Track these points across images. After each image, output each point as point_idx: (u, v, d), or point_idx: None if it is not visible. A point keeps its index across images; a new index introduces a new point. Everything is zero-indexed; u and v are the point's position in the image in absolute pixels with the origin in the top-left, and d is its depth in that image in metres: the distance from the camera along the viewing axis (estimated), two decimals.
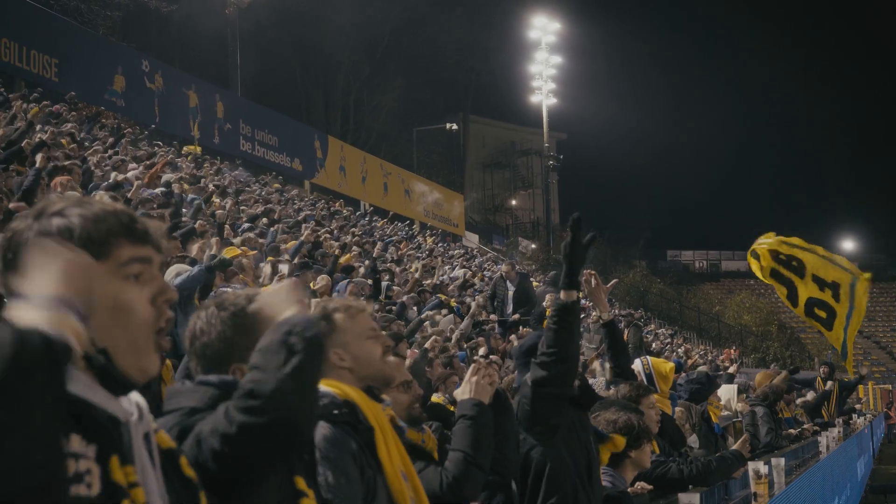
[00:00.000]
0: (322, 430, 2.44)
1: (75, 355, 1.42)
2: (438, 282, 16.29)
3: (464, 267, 23.26)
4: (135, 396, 1.58)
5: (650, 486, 4.98)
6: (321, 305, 2.79)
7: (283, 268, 10.49)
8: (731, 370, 14.29)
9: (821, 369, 15.28)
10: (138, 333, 1.54)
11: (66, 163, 11.01)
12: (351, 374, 2.63)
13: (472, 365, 3.59)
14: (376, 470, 2.54)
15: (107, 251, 1.54)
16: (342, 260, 13.57)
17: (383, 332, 3.20)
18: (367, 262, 14.42)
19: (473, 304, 12.57)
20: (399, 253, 21.26)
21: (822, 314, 9.36)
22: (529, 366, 4.15)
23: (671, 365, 6.44)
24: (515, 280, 14.21)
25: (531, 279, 18.46)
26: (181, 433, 1.78)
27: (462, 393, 3.51)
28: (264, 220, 15.75)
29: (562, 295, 3.96)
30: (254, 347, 2.06)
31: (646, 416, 5.22)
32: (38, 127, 14.05)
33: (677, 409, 6.87)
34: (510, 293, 13.80)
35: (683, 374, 9.45)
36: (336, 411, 2.51)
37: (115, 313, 1.52)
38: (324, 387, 2.43)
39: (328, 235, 16.26)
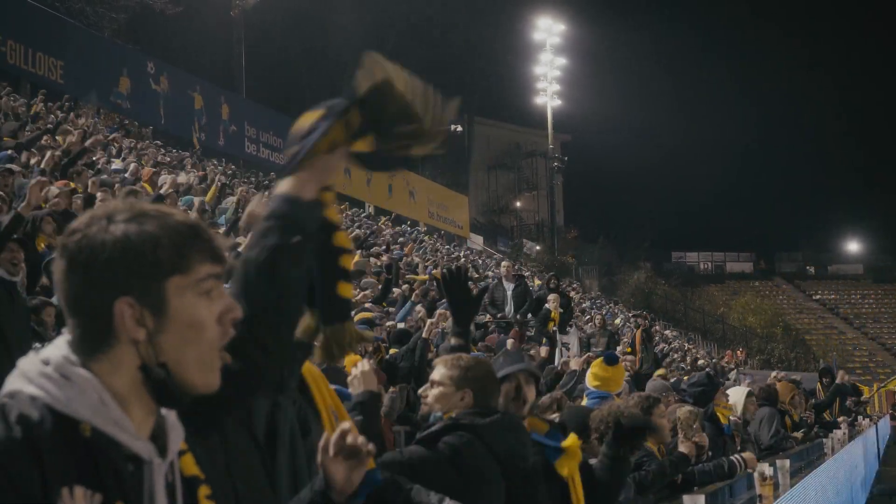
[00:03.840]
0: None
1: (114, 383, 1.46)
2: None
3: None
4: (171, 418, 1.56)
5: None
6: None
7: None
8: (700, 363, 13.98)
9: (825, 379, 15.22)
10: (206, 351, 1.52)
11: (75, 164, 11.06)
12: None
13: None
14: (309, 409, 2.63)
15: (188, 266, 1.50)
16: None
17: None
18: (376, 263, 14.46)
19: None
20: (405, 255, 21.26)
21: None
22: None
23: (595, 362, 6.22)
24: (514, 280, 14.24)
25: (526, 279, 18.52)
26: None
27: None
28: None
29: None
30: None
31: (659, 426, 5.21)
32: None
33: (684, 409, 6.77)
34: (509, 293, 13.81)
35: (685, 378, 9.42)
36: None
37: (188, 330, 1.50)
38: None
39: None
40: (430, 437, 3.41)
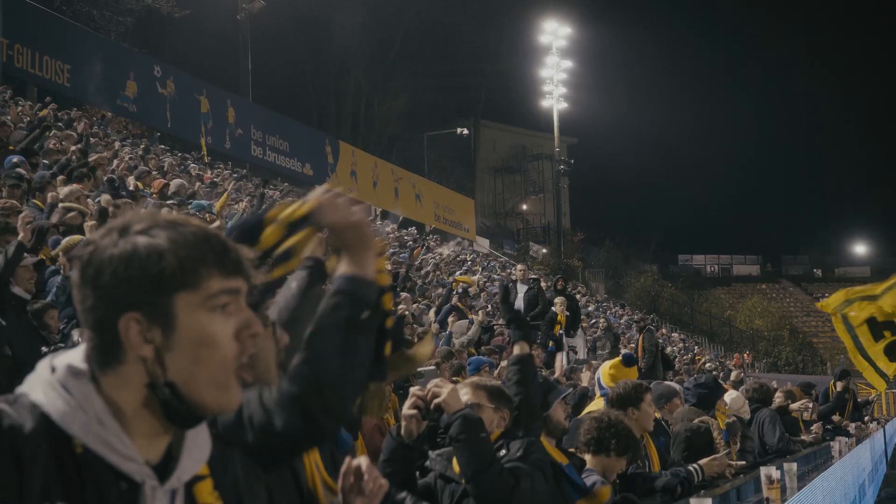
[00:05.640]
0: None
1: (120, 399, 1.42)
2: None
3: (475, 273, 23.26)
4: (191, 440, 1.51)
5: None
6: None
7: None
8: (732, 376, 14.05)
9: (839, 383, 15.03)
10: (219, 370, 1.45)
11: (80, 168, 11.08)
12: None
13: None
14: None
15: (196, 281, 1.44)
16: None
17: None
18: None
19: (481, 314, 12.57)
20: (412, 259, 21.26)
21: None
22: None
23: (613, 362, 6.41)
24: (528, 282, 14.25)
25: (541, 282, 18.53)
26: None
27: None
28: None
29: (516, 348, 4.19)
30: None
31: (643, 414, 5.24)
32: (52, 132, 14.12)
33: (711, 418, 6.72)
34: (521, 295, 13.81)
35: (692, 378, 9.37)
36: None
37: (197, 349, 1.43)
38: None
39: None
40: (522, 458, 3.56)
